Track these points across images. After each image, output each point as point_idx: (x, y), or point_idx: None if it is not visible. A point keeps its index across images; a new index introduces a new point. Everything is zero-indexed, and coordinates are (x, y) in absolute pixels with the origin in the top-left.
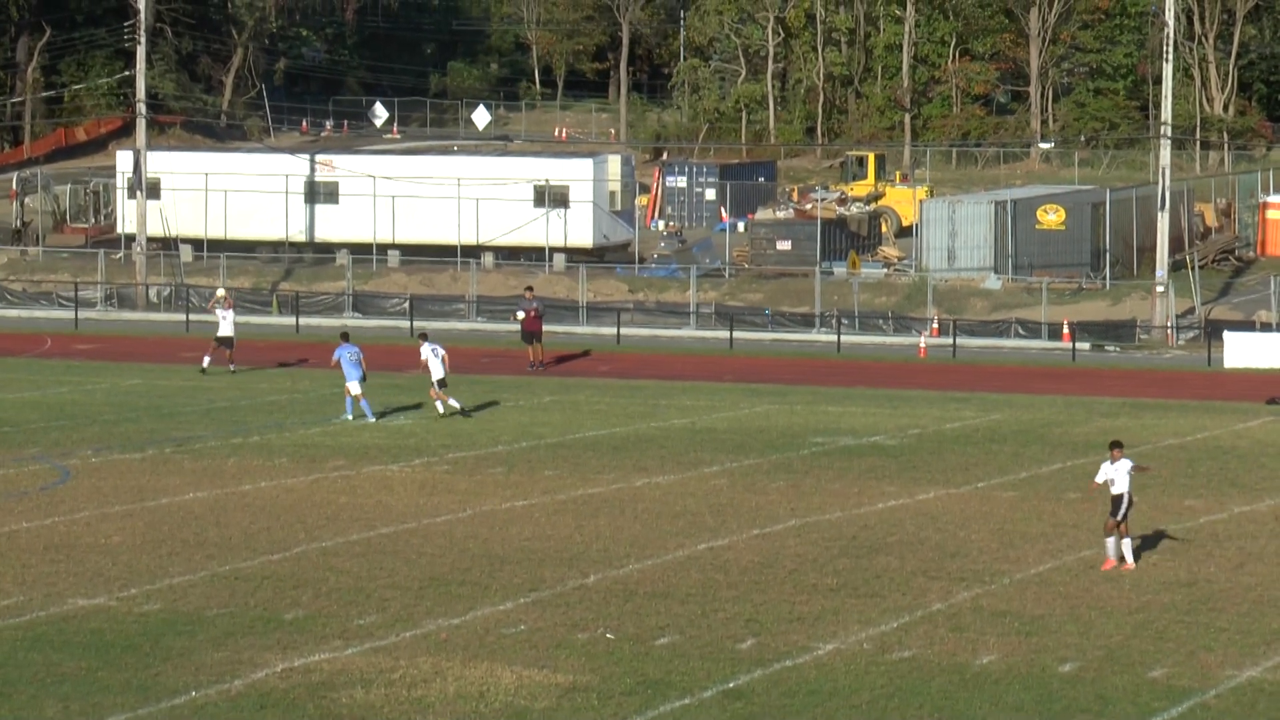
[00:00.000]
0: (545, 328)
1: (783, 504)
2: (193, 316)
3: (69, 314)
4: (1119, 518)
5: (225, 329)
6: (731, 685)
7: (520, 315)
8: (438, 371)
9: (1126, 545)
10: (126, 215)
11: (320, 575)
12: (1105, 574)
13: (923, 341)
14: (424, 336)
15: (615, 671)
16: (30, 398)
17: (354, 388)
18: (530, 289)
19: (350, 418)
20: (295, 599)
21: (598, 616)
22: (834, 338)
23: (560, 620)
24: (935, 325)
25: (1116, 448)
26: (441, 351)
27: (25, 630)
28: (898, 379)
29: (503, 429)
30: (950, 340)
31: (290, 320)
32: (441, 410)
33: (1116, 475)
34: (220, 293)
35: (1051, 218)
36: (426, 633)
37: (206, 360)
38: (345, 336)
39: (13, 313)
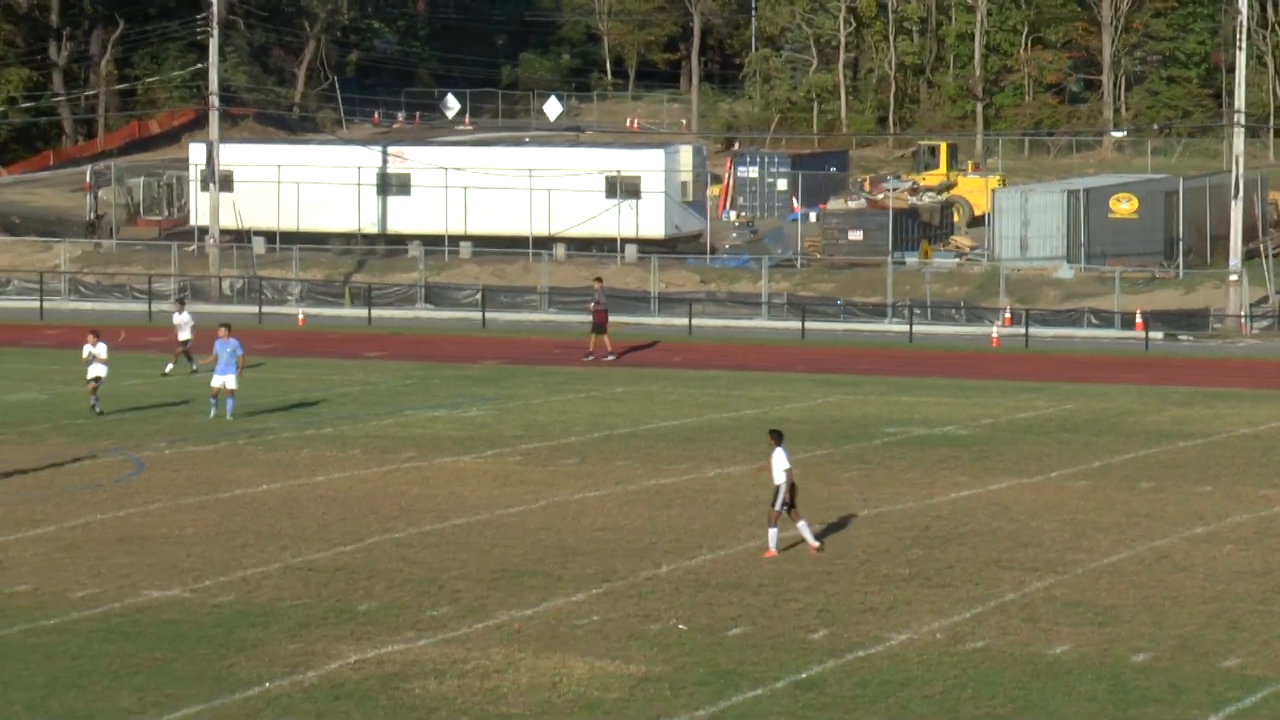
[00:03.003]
0: (616, 319)
1: (855, 494)
2: (266, 309)
3: (143, 306)
4: (777, 507)
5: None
6: (804, 676)
7: (592, 305)
8: (97, 370)
9: (804, 528)
10: (199, 208)
11: (393, 566)
12: (1176, 564)
13: (995, 331)
14: (95, 333)
15: (687, 662)
16: (104, 390)
17: (228, 382)
18: (599, 280)
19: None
20: (368, 590)
21: (670, 607)
22: (906, 328)
23: (632, 611)
24: (1008, 315)
25: (772, 436)
26: (106, 351)
27: (100, 621)
28: (970, 369)
29: (575, 420)
30: (1023, 330)
31: (363, 312)
32: (95, 403)
33: (774, 466)
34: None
35: (1124, 206)
36: (499, 624)
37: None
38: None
39: (86, 305)
